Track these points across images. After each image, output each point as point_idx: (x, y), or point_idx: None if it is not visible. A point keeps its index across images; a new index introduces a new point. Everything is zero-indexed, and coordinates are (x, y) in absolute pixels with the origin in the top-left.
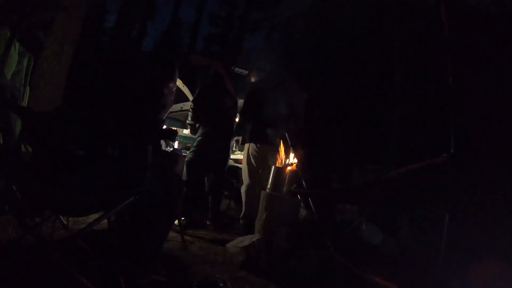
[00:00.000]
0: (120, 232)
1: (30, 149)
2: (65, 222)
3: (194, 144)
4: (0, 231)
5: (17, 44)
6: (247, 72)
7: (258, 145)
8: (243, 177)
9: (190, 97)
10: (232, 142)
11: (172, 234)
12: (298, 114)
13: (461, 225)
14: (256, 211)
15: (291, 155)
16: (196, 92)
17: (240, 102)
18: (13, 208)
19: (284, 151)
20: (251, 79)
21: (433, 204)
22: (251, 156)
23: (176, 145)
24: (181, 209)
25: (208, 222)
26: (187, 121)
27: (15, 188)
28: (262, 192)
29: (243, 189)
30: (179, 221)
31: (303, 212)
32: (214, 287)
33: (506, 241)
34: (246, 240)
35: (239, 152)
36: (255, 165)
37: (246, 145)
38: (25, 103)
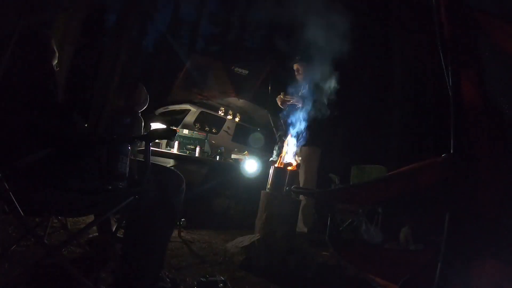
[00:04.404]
0: (124, 242)
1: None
2: (64, 222)
3: None
4: (0, 231)
5: None
6: (247, 72)
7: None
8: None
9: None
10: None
11: (172, 234)
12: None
13: (461, 225)
14: None
15: (291, 155)
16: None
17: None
18: (13, 208)
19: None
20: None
21: (433, 204)
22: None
23: (176, 145)
24: (181, 208)
25: None
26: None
27: (7, 187)
28: (262, 192)
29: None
30: (179, 222)
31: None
32: (214, 287)
33: (507, 241)
34: (246, 240)
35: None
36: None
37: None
38: None
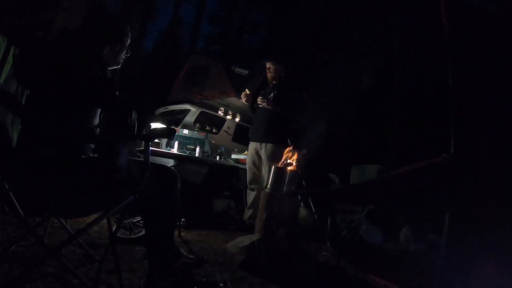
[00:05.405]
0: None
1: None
2: (64, 222)
3: None
4: (0, 231)
5: (12, 47)
6: (247, 72)
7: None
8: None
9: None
10: None
11: (174, 232)
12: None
13: (461, 225)
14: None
15: (291, 155)
16: None
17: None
18: (13, 208)
19: (285, 151)
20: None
21: (433, 204)
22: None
23: (176, 145)
24: (179, 206)
25: None
26: None
27: (8, 187)
28: (262, 192)
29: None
30: (179, 222)
31: (303, 212)
32: (214, 287)
33: (507, 241)
34: (246, 240)
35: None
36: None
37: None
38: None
